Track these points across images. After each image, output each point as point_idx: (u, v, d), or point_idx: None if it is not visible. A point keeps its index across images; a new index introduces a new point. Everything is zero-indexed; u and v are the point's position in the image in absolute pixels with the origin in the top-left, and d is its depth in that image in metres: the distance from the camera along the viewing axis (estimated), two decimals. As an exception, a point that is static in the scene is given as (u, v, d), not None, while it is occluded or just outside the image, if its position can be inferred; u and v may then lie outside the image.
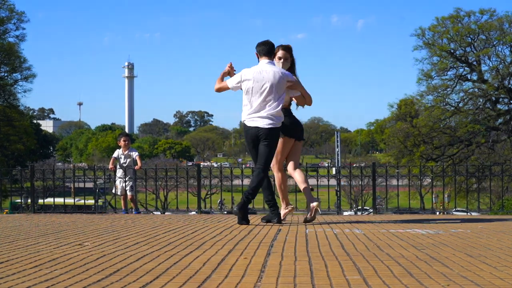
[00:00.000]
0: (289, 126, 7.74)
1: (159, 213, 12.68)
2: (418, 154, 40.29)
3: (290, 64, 7.85)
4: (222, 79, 7.76)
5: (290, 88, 7.57)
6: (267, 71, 7.43)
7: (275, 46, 7.72)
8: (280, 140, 7.72)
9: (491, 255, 4.69)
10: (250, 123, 7.45)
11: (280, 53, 7.80)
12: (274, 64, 7.57)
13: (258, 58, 7.66)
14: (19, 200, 26.30)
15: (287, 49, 7.85)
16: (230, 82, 7.60)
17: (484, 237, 6.06)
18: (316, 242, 5.56)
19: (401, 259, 4.46)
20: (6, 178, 13.44)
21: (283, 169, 7.98)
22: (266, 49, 7.58)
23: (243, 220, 7.39)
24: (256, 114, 7.41)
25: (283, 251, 4.93)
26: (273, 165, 7.83)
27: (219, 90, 7.72)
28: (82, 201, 15.78)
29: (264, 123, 7.38)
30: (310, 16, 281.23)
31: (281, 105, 7.45)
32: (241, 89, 7.51)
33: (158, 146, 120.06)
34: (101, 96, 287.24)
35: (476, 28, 40.18)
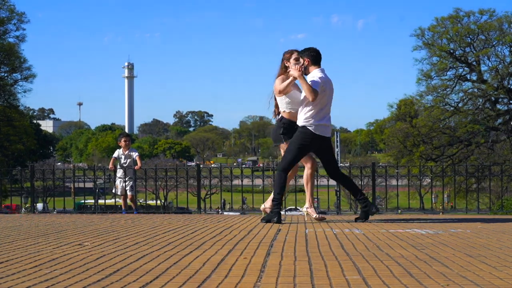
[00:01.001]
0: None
1: (234, 213, 12.42)
2: (417, 154, 40.31)
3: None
4: (308, 86, 7.38)
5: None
6: (331, 82, 7.67)
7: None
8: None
9: (491, 255, 4.70)
10: (317, 130, 7.52)
11: (294, 55, 7.82)
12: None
13: (308, 64, 7.63)
14: (83, 201, 25.35)
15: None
16: (317, 87, 7.39)
17: (484, 237, 6.07)
18: (316, 242, 5.56)
19: (400, 259, 4.47)
20: (6, 178, 13.44)
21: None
22: (319, 58, 7.68)
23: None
24: (322, 123, 7.54)
25: (283, 251, 4.93)
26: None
27: (315, 95, 7.39)
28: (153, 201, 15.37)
29: (328, 133, 7.68)
30: (310, 16, 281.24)
31: None
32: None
33: (158, 146, 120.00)
34: (101, 96, 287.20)
35: (475, 28, 40.20)
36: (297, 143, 7.55)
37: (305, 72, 7.66)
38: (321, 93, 7.41)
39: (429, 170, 14.08)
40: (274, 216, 7.54)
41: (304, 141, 7.52)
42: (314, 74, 7.54)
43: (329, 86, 7.60)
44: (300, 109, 7.62)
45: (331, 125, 7.77)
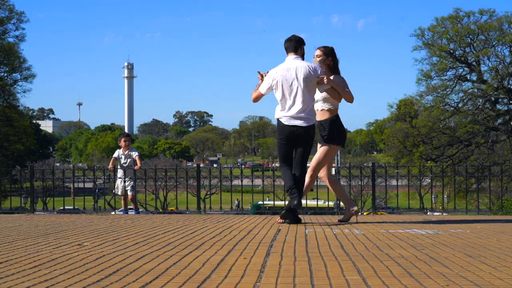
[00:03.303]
0: (340, 134, 7.68)
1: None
2: (417, 154, 40.30)
3: (328, 66, 7.65)
4: (257, 88, 7.62)
5: (320, 84, 7.41)
6: (293, 67, 7.35)
7: (303, 40, 7.55)
8: (330, 148, 7.62)
9: (491, 255, 4.70)
10: (287, 121, 7.34)
11: (316, 52, 7.72)
12: (301, 59, 7.43)
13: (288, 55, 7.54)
14: (261, 202, 24.39)
15: (323, 48, 7.70)
16: (262, 88, 7.50)
17: (484, 237, 6.06)
18: (316, 243, 5.56)
19: (400, 259, 4.46)
20: (6, 178, 13.43)
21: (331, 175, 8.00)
22: (293, 45, 7.44)
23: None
24: (290, 113, 7.32)
25: (283, 251, 4.93)
26: (322, 173, 7.80)
27: (257, 99, 7.65)
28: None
29: (300, 122, 7.32)
30: (310, 16, 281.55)
31: (313, 102, 7.41)
32: (273, 89, 7.44)
33: (158, 146, 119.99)
34: (101, 96, 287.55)
35: (475, 28, 40.19)
36: (279, 137, 7.51)
37: None
38: (274, 87, 7.36)
39: (429, 170, 14.08)
40: (293, 200, 7.27)
41: (280, 132, 7.42)
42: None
43: (287, 74, 7.34)
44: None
45: (305, 115, 7.28)
